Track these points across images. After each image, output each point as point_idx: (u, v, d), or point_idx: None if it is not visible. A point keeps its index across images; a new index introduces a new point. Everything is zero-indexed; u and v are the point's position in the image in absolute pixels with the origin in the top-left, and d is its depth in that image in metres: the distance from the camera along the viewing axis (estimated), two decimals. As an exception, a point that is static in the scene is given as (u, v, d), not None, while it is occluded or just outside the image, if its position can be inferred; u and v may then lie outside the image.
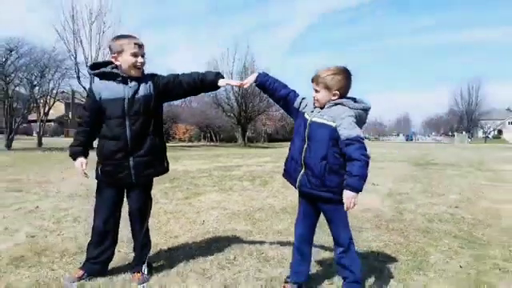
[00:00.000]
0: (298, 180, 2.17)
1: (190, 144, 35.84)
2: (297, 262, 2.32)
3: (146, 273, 2.51)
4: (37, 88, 22.93)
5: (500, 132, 67.65)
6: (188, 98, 41.80)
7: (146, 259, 2.57)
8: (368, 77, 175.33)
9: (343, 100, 2.13)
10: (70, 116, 45.62)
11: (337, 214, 2.12)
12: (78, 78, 22.73)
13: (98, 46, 22.80)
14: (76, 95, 29.00)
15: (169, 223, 4.07)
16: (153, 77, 2.47)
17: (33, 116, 29.85)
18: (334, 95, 2.12)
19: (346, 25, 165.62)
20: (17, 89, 23.34)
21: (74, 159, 2.49)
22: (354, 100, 2.18)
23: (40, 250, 3.15)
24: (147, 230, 2.65)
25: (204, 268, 2.70)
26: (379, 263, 2.85)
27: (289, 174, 2.27)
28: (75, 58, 22.32)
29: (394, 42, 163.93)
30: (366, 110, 2.20)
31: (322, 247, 3.02)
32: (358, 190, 1.98)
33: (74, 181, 7.61)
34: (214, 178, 8.27)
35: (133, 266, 2.60)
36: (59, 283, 2.46)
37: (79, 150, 2.47)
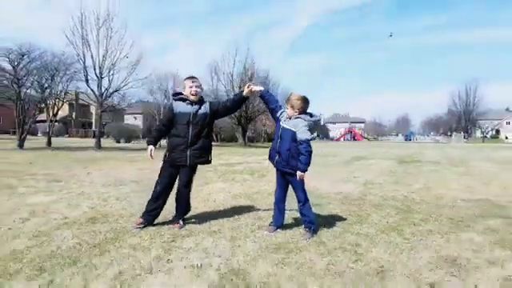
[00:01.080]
0: (275, 161, 3.67)
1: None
2: (276, 213, 3.82)
3: (182, 223, 4.00)
4: (47, 90, 24.19)
5: (498, 132, 69.18)
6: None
7: (183, 216, 4.06)
8: (368, 77, 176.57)
9: (301, 115, 3.60)
10: (74, 116, 47.20)
11: (297, 182, 3.60)
12: (87, 80, 23.97)
13: (106, 50, 23.98)
14: (81, 96, 30.24)
15: (192, 198, 5.54)
16: (209, 102, 4.08)
17: (38, 117, 31.02)
18: (296, 112, 3.60)
19: (346, 25, 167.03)
20: (28, 91, 24.66)
21: (148, 145, 4.03)
22: (311, 115, 3.66)
23: (103, 214, 4.63)
24: (189, 199, 4.14)
25: (218, 222, 4.19)
26: (333, 220, 4.34)
27: (270, 158, 3.78)
28: (84, 62, 23.56)
29: (394, 42, 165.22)
30: (316, 122, 3.67)
31: (293, 209, 4.47)
32: (304, 170, 3.51)
33: (100, 174, 9.11)
34: (218, 172, 9.74)
35: (173, 220, 4.09)
36: (126, 229, 3.93)
37: (152, 141, 4.05)
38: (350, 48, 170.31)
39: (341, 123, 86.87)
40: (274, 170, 3.91)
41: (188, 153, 3.91)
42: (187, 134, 3.90)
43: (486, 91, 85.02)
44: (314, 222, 3.72)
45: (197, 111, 3.94)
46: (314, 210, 4.35)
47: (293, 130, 3.56)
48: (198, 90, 3.99)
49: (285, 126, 3.64)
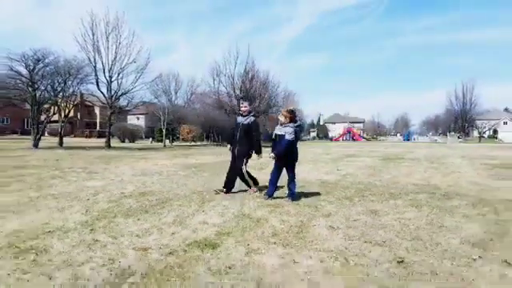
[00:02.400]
0: (275, 152, 5.78)
1: (193, 143, 39.36)
2: (270, 187, 5.90)
3: (224, 190, 6.14)
4: (60, 93, 25.99)
5: (496, 132, 71.13)
6: (191, 99, 44.73)
7: (228, 187, 6.20)
8: (368, 77, 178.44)
9: (289, 124, 5.70)
10: (79, 117, 49.26)
11: (291, 166, 5.71)
12: (97, 84, 25.93)
13: (115, 54, 25.97)
14: (90, 98, 32.17)
15: (207, 183, 7.64)
16: (254, 118, 6.27)
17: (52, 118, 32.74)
18: (287, 120, 5.68)
19: (346, 25, 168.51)
20: (41, 94, 26.38)
21: (226, 144, 6.52)
22: (295, 121, 5.74)
23: (148, 191, 6.72)
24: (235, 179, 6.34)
25: (230, 195, 6.28)
26: (309, 194, 6.44)
27: (272, 151, 5.86)
28: (95, 67, 25.55)
29: (393, 42, 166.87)
30: (299, 127, 5.77)
31: (283, 187, 6.54)
32: (278, 154, 5.67)
33: (125, 168, 11.18)
34: (225, 166, 11.82)
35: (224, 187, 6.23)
36: (169, 198, 5.99)
37: (228, 141, 6.53)
38: (350, 48, 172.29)
39: (340, 123, 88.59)
40: (270, 165, 6.02)
41: (237, 147, 6.27)
42: (236, 136, 6.22)
43: (485, 91, 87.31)
44: (295, 194, 5.82)
45: (243, 121, 6.23)
46: (299, 189, 6.44)
47: (283, 133, 5.66)
48: (245, 109, 6.28)
49: (278, 132, 5.77)
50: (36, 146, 24.15)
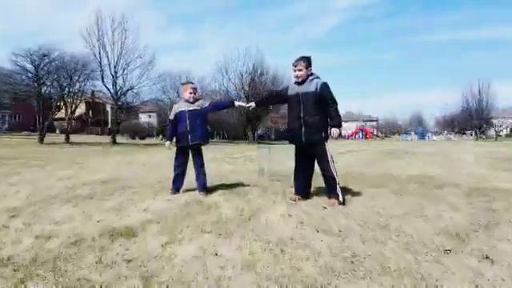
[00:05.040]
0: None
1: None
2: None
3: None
4: (66, 89, 27.39)
5: (514, 130, 71.06)
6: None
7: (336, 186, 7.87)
8: (383, 74, 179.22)
9: None
10: (91, 114, 51.31)
11: None
12: (102, 79, 27.65)
13: (120, 50, 27.75)
14: (97, 95, 34.09)
15: (221, 167, 9.38)
16: None
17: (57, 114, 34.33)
18: None
19: (360, 22, 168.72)
20: (47, 90, 27.56)
21: None
22: None
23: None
24: None
25: (235, 173, 8.00)
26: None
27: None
28: (100, 62, 27.25)
29: (409, 39, 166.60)
30: None
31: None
32: None
33: (149, 157, 12.98)
34: (233, 158, 13.56)
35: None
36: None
37: None
38: (364, 46, 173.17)
39: (354, 121, 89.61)
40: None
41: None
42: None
43: (500, 89, 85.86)
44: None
45: None
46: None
47: None
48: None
49: None
50: (41, 141, 25.39)
